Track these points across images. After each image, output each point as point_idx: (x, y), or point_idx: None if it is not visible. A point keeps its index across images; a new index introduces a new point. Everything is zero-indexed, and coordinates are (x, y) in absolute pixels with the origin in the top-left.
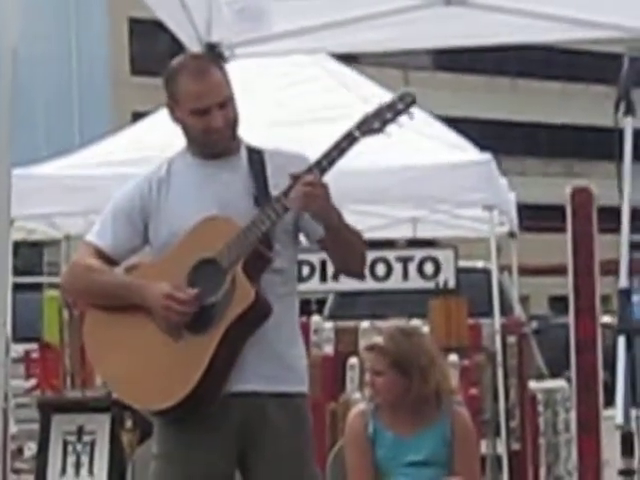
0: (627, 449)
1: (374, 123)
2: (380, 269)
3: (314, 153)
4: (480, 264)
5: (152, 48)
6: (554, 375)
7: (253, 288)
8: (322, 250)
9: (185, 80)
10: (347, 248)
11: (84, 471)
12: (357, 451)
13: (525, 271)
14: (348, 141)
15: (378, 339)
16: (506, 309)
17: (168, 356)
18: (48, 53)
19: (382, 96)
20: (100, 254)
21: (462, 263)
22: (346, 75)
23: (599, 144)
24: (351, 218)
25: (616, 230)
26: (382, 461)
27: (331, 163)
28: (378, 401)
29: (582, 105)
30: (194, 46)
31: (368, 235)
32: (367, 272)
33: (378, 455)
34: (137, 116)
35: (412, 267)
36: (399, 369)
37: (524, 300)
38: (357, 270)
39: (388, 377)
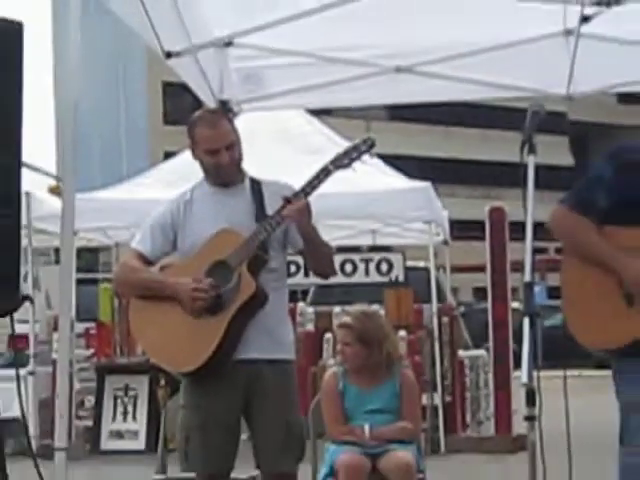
0: (530, 401)
1: (344, 160)
2: (348, 267)
3: (299, 181)
4: (422, 264)
5: (179, 104)
6: (477, 346)
7: (254, 282)
8: (301, 256)
9: (202, 128)
10: (319, 256)
11: (129, 418)
12: (331, 402)
13: (455, 269)
14: (324, 173)
15: (347, 319)
16: (441, 297)
17: (191, 332)
18: (103, 106)
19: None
20: (141, 257)
21: (409, 263)
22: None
23: (510, 175)
24: (327, 230)
25: (522, 239)
26: (349, 409)
27: (312, 189)
28: (346, 365)
29: (497, 146)
30: (210, 103)
31: (339, 243)
32: (338, 270)
33: (346, 405)
34: (168, 155)
35: (372, 266)
36: (362, 341)
37: (454, 291)
38: (326, 271)
39: (354, 347)
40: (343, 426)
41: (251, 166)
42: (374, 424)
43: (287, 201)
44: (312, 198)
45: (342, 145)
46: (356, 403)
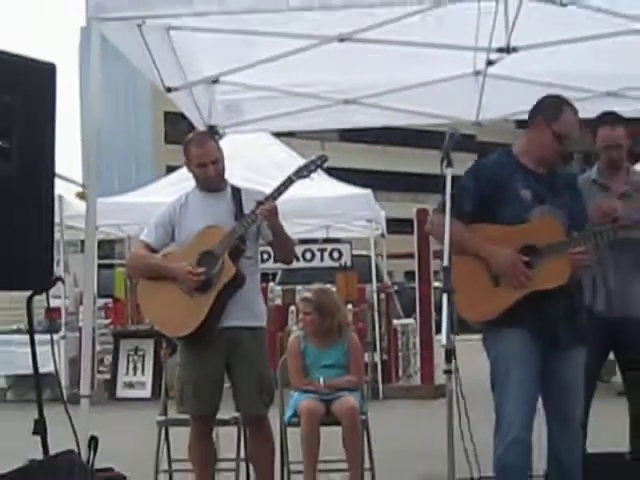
0: (448, 358)
1: (303, 172)
2: (308, 255)
3: (269, 188)
4: (364, 252)
5: (177, 128)
6: (407, 316)
7: (234, 267)
8: (270, 247)
9: (193, 147)
10: (284, 247)
11: (139, 372)
12: (294, 359)
13: (390, 256)
14: (288, 182)
15: (307, 294)
16: (379, 278)
17: (185, 305)
18: (118, 130)
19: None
20: (147, 247)
21: (355, 252)
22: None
23: (433, 183)
24: (291, 226)
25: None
26: (308, 365)
27: (279, 194)
28: (306, 330)
29: (423, 161)
30: (201, 127)
31: (301, 236)
32: (300, 257)
33: (306, 361)
34: (169, 168)
35: (326, 254)
36: (319, 311)
37: (390, 273)
38: (290, 258)
39: (312, 316)
40: (304, 378)
41: (233, 176)
42: (328, 377)
43: (259, 203)
44: (279, 201)
45: (302, 161)
46: (314, 360)
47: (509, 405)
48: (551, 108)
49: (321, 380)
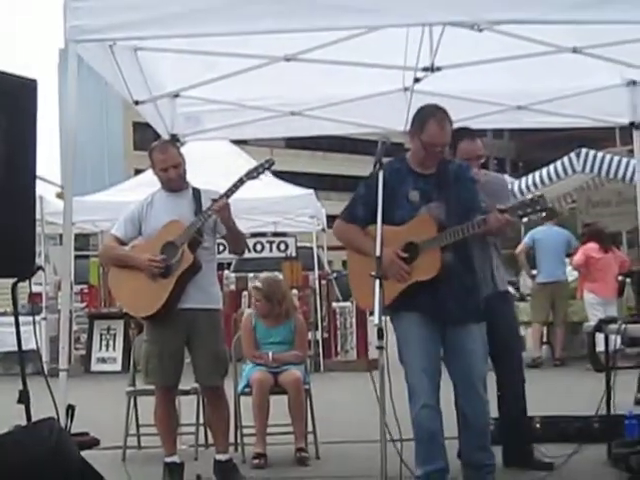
0: (380, 336)
1: (253, 174)
2: (258, 247)
3: (224, 187)
4: (308, 244)
5: (145, 136)
6: (345, 300)
7: (192, 256)
8: (225, 240)
9: (156, 153)
10: (236, 240)
11: (110, 349)
12: (247, 334)
13: (330, 248)
14: (240, 182)
15: (258, 284)
16: (320, 267)
17: (150, 289)
18: (92, 137)
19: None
20: (117, 240)
21: (299, 244)
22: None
23: None
24: (243, 222)
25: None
26: (259, 340)
27: (232, 193)
28: (258, 314)
29: (359, 165)
30: (165, 135)
31: (252, 230)
32: (251, 248)
33: (257, 337)
34: (138, 171)
35: (274, 246)
36: (267, 299)
37: (330, 263)
38: (240, 251)
39: (262, 303)
40: (255, 351)
41: (195, 177)
42: (276, 351)
43: (214, 201)
44: (233, 199)
45: (252, 164)
46: (264, 336)
47: (415, 378)
48: (418, 121)
49: (270, 354)
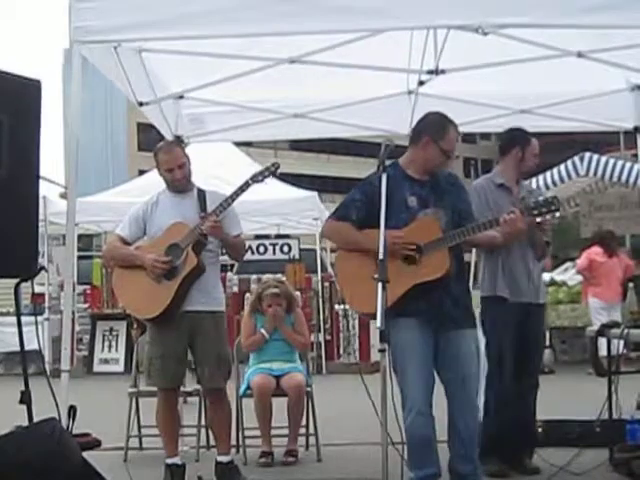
0: (382, 339)
1: (259, 177)
2: (261, 249)
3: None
4: (311, 247)
5: (149, 137)
6: None
7: (196, 258)
8: None
9: (161, 154)
10: (233, 251)
11: (113, 350)
12: (246, 325)
13: (333, 250)
14: (246, 185)
15: (275, 290)
16: (323, 269)
17: (153, 291)
18: (96, 138)
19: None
20: (122, 240)
21: (302, 246)
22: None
23: None
24: (248, 224)
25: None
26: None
27: (237, 197)
28: (277, 319)
29: (363, 168)
30: (169, 136)
31: (256, 232)
32: (255, 250)
33: (258, 325)
34: (142, 172)
35: (277, 248)
36: (287, 300)
37: (332, 265)
38: (239, 259)
39: (283, 306)
40: (250, 337)
41: (198, 180)
42: (277, 347)
43: (202, 219)
44: (237, 202)
45: (257, 167)
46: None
47: (409, 385)
48: (438, 127)
49: (263, 331)
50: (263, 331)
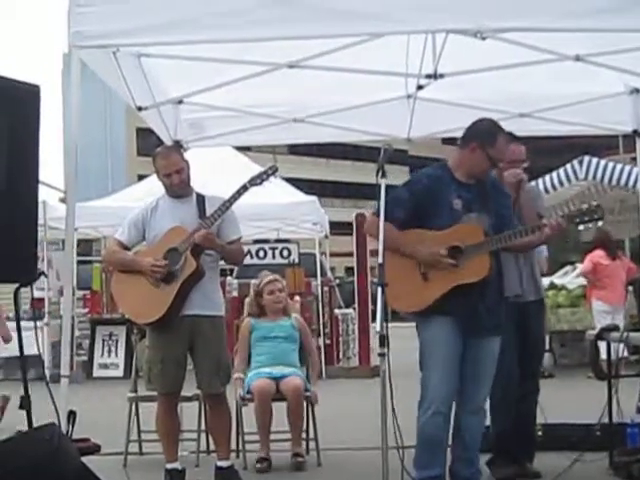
0: (382, 343)
1: (257, 180)
2: (261, 253)
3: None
4: (310, 251)
5: (148, 142)
6: (347, 306)
7: (195, 262)
8: None
9: (159, 159)
10: (229, 258)
11: (112, 355)
12: (242, 347)
13: (332, 254)
14: (244, 189)
15: (278, 284)
16: (323, 274)
17: (153, 295)
18: (96, 143)
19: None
20: (121, 244)
21: (302, 250)
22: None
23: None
24: (248, 228)
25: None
26: (261, 337)
27: (235, 200)
28: (279, 306)
29: (362, 172)
30: (168, 141)
31: (256, 236)
32: (254, 254)
33: (260, 335)
34: (141, 177)
35: (277, 252)
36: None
37: (332, 269)
38: (236, 265)
39: (284, 293)
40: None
41: (197, 184)
42: (279, 347)
43: (193, 232)
44: (237, 206)
45: (256, 170)
46: (268, 331)
47: (433, 383)
48: (487, 135)
49: (241, 375)
50: (242, 375)
